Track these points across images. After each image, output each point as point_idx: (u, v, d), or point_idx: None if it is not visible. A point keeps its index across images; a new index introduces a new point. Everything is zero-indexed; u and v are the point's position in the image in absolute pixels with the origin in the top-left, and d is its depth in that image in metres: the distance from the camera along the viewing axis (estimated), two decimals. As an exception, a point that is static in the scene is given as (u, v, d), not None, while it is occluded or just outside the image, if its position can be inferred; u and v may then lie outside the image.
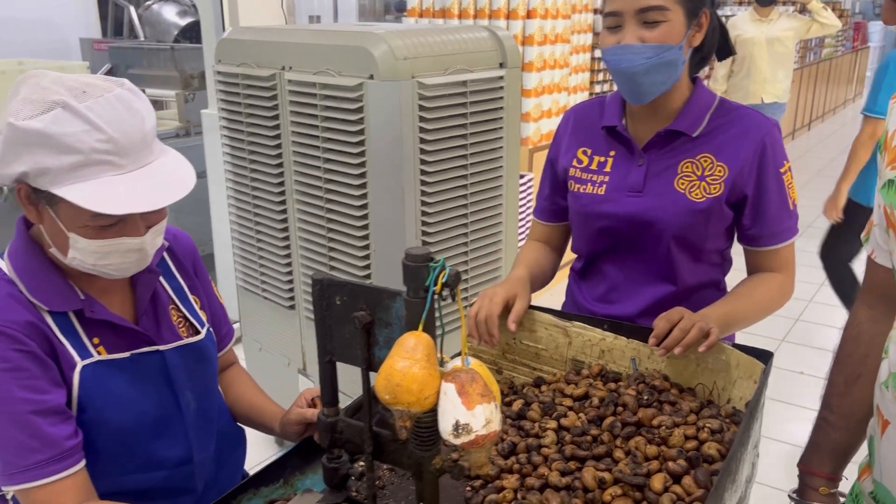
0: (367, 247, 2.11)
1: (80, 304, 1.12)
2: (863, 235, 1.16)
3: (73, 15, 7.96)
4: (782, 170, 1.39)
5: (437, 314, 0.86)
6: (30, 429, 1.06)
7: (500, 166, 2.26)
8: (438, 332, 0.87)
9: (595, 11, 4.41)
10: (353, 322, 0.90)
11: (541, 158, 4.08)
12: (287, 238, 2.37)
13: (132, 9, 6.84)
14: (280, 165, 2.29)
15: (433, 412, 0.87)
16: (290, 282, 2.42)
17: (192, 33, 6.55)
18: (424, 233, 2.10)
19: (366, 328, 0.90)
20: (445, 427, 0.82)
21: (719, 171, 1.37)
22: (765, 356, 1.22)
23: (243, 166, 2.43)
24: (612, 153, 1.46)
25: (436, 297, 0.84)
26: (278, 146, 2.27)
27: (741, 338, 1.44)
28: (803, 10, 8.25)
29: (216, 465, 1.30)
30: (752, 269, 1.46)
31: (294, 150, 2.21)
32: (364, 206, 2.08)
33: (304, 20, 6.01)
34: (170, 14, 6.95)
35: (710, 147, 1.38)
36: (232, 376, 1.43)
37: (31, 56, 5.39)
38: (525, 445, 1.19)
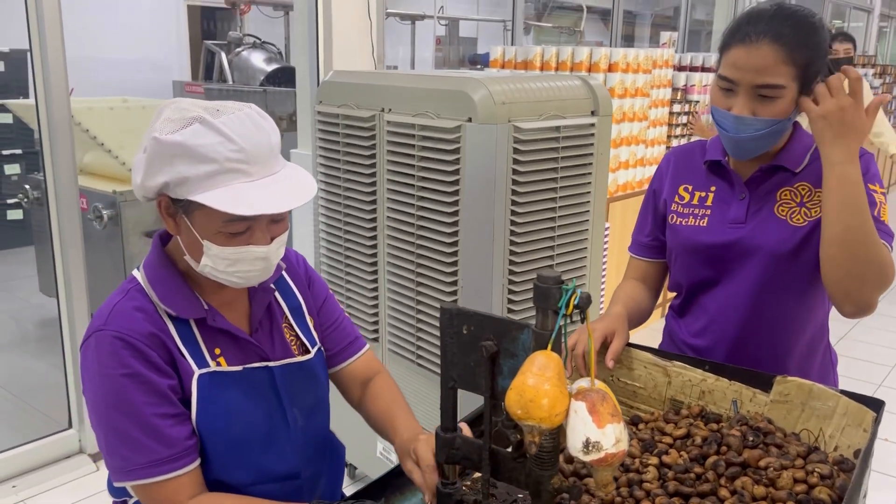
0: (454, 283, 2.16)
1: (203, 313, 1.20)
2: None
3: (168, 59, 8.45)
4: (873, 187, 1.36)
5: (563, 335, 0.90)
6: (150, 429, 1.13)
7: (588, 210, 2.30)
8: (565, 352, 0.90)
9: (675, 68, 4.46)
10: (479, 351, 0.94)
11: (618, 209, 4.11)
12: (375, 273, 2.45)
13: (223, 55, 7.22)
14: (374, 202, 2.38)
15: (555, 433, 0.90)
16: (376, 314, 2.48)
17: (277, 78, 6.88)
18: (511, 272, 2.14)
19: (491, 358, 0.94)
20: (575, 444, 0.85)
21: (818, 197, 1.38)
22: (875, 404, 1.21)
23: (337, 202, 2.53)
24: (713, 188, 1.49)
25: (566, 319, 0.87)
26: (373, 184, 2.37)
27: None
28: (883, 72, 8.11)
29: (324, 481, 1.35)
30: None
31: (389, 187, 2.30)
32: (454, 244, 2.13)
33: (383, 69, 6.22)
34: (258, 60, 7.32)
35: (808, 178, 1.40)
36: (375, 389, 1.42)
37: (128, 95, 5.72)
38: (626, 480, 1.20)
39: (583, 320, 0.89)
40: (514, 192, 2.08)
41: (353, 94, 2.43)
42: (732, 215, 1.44)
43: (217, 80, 7.23)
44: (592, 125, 2.24)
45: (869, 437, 1.16)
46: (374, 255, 2.44)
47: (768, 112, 1.32)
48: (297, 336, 1.33)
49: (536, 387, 0.84)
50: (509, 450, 0.98)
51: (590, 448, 0.84)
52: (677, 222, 1.51)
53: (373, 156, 2.35)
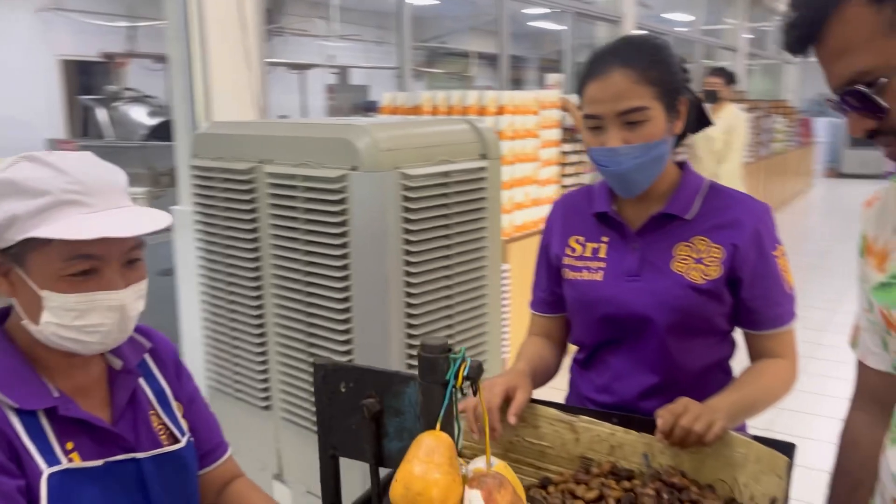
0: (349, 341, 2.02)
1: (53, 402, 1.03)
2: (850, 342, 1.16)
3: (40, 115, 7.97)
4: (776, 252, 1.37)
5: (454, 410, 0.79)
6: None
7: (484, 256, 2.22)
8: (458, 429, 0.79)
9: (562, 108, 4.53)
10: (360, 411, 0.81)
11: (515, 250, 4.08)
12: (263, 335, 2.27)
13: (100, 110, 6.86)
14: (257, 259, 2.22)
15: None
16: (266, 380, 2.30)
17: (162, 133, 6.58)
18: (409, 325, 2.03)
19: (375, 417, 0.82)
20: (471, 539, 0.74)
21: (715, 253, 1.35)
22: (788, 449, 1.15)
23: (218, 260, 2.35)
24: (605, 239, 1.44)
25: (455, 391, 0.77)
26: (256, 239, 2.21)
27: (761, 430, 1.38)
28: (754, 107, 8.65)
29: None
30: (754, 355, 1.42)
31: (272, 241, 2.15)
32: (347, 299, 2.00)
33: (265, 119, 6.04)
34: (139, 115, 6.99)
35: (704, 229, 1.37)
36: (239, 490, 1.28)
37: (-5, 155, 5.32)
38: (539, 554, 1.09)
39: (475, 392, 0.78)
40: (407, 242, 1.98)
41: (230, 145, 2.28)
42: (627, 267, 1.39)
43: (94, 137, 6.85)
44: (483, 168, 2.18)
45: (784, 485, 1.10)
46: (261, 316, 2.27)
47: (640, 137, 1.29)
48: (164, 425, 1.16)
49: (425, 476, 0.73)
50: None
51: (490, 543, 0.72)
52: (572, 277, 1.44)
53: (254, 210, 2.20)
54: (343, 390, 0.84)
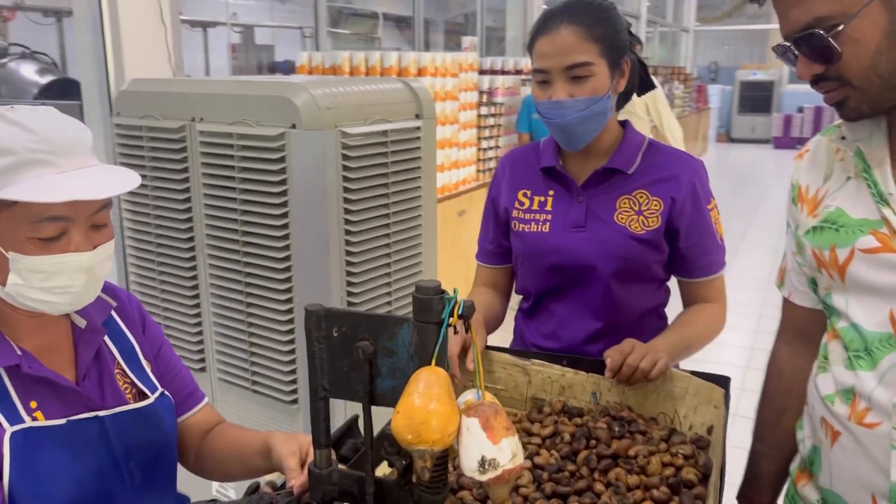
0: (290, 300, 2.03)
1: (16, 360, 1.02)
2: (776, 281, 1.27)
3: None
4: (709, 206, 1.48)
5: (445, 348, 0.84)
6: None
7: (420, 215, 2.27)
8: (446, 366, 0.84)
9: (480, 72, 4.59)
10: (355, 353, 0.85)
11: (437, 212, 4.14)
12: (197, 298, 2.24)
13: (-16, 66, 6.38)
14: (189, 220, 2.18)
15: (443, 453, 0.84)
16: (200, 343, 2.28)
17: (53, 91, 6.20)
18: (350, 283, 2.05)
19: (368, 359, 0.86)
20: (470, 464, 0.79)
21: (655, 206, 1.44)
22: (722, 381, 1.27)
23: (147, 223, 2.29)
24: (551, 192, 1.51)
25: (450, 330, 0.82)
26: (188, 200, 2.17)
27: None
28: (654, 72, 8.97)
29: None
30: (688, 300, 1.53)
31: (207, 202, 2.12)
32: (286, 259, 2.01)
33: (182, 77, 5.79)
34: (29, 72, 6.55)
35: (644, 183, 1.46)
36: (222, 429, 1.29)
37: None
38: (502, 487, 1.17)
39: (467, 330, 0.84)
40: (347, 201, 2.00)
41: (157, 103, 2.21)
42: (573, 219, 1.46)
43: (-25, 95, 6.36)
44: (418, 128, 2.21)
45: (721, 413, 1.21)
46: (195, 277, 2.23)
47: (585, 91, 1.37)
48: (131, 383, 1.16)
49: (425, 407, 0.78)
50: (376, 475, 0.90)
51: (486, 466, 0.79)
52: (520, 229, 1.51)
53: (185, 170, 2.15)
54: (335, 334, 0.87)
